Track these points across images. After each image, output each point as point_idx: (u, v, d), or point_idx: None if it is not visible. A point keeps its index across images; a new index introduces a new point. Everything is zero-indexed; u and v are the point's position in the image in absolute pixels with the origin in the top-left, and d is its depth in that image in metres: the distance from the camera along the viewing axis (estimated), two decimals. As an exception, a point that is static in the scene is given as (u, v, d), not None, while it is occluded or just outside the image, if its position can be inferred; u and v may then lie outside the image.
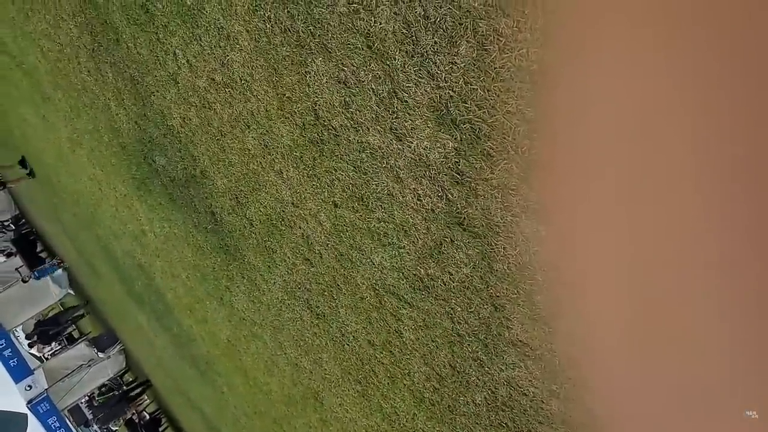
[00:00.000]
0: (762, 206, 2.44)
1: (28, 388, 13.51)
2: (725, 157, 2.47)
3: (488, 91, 3.07)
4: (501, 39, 2.90)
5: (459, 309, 4.00)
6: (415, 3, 3.10)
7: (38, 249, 15.64)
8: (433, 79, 3.25)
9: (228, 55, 4.41)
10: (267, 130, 4.54)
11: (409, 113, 3.46)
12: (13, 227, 15.24)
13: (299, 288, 5.49)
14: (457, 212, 3.58)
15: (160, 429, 15.53)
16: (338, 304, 5.13)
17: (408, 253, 4.07)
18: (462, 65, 3.09)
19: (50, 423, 13.74)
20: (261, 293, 6.20)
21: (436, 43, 3.13)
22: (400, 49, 3.31)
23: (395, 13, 3.22)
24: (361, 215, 4.23)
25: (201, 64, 4.71)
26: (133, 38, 5.32)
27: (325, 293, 5.18)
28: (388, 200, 3.94)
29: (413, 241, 3.98)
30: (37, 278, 14.34)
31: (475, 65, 3.05)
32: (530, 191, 3.21)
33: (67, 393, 14.12)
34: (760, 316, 2.64)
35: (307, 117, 4.12)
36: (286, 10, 3.78)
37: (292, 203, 4.82)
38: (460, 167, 3.41)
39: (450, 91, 3.21)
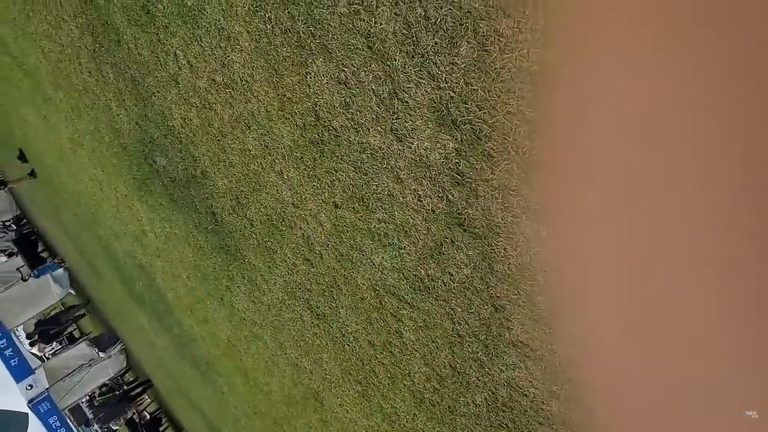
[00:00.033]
0: (762, 206, 2.44)
1: (29, 388, 13.51)
2: (725, 157, 2.47)
3: (489, 91, 3.08)
4: (502, 40, 2.91)
5: (459, 310, 4.00)
6: (416, 4, 3.11)
7: (39, 249, 15.66)
8: (434, 80, 3.25)
9: (228, 56, 4.42)
10: (267, 131, 4.55)
11: (409, 114, 3.46)
12: (15, 227, 15.25)
13: (300, 288, 5.50)
14: (458, 213, 3.58)
15: (161, 429, 15.53)
16: (338, 305, 5.13)
17: (408, 253, 4.07)
18: (462, 66, 3.09)
19: (51, 422, 13.75)
20: (261, 293, 6.20)
21: (436, 43, 3.13)
22: (400, 50, 3.31)
23: (396, 13, 3.23)
24: (361, 216, 4.23)
25: (202, 65, 4.72)
26: (134, 39, 5.33)
27: (326, 294, 5.19)
28: (389, 201, 3.94)
29: (414, 242, 3.98)
30: (37, 276, 14.35)
31: (475, 66, 3.06)
32: (531, 192, 3.21)
33: (68, 392, 14.13)
34: (760, 316, 2.64)
35: (307, 118, 4.13)
36: (286, 11, 3.79)
37: (293, 204, 4.82)
38: (460, 168, 3.41)
39: (450, 92, 3.21)
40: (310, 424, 7.10)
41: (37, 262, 14.93)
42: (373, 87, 3.56)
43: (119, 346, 15.21)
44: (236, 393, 9.00)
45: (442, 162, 3.47)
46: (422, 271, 4.06)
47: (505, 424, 4.20)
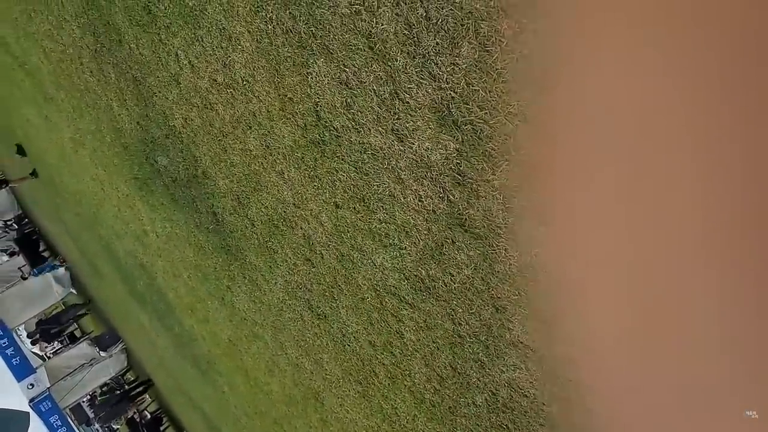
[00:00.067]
0: (762, 206, 2.44)
1: (30, 387, 13.52)
2: (725, 156, 2.47)
3: (490, 92, 3.08)
4: (503, 40, 2.91)
5: (460, 310, 4.00)
6: (417, 4, 3.11)
7: (41, 248, 15.68)
8: (435, 80, 3.25)
9: (230, 56, 4.42)
10: (268, 131, 4.55)
11: (410, 114, 3.47)
12: (16, 227, 15.27)
13: (300, 288, 5.50)
14: (459, 213, 3.59)
15: (162, 428, 15.54)
16: (339, 305, 5.13)
17: (409, 254, 4.07)
18: (464, 66, 3.09)
19: (52, 421, 13.75)
20: (262, 293, 6.21)
21: (437, 44, 3.13)
22: (401, 51, 3.31)
23: (397, 14, 3.23)
24: (362, 216, 4.24)
25: (203, 65, 4.73)
26: (136, 39, 5.33)
27: (326, 294, 5.19)
28: (390, 201, 3.94)
29: (414, 242, 3.98)
30: (36, 275, 14.37)
31: (476, 66, 3.06)
32: (531, 192, 3.21)
33: (69, 392, 14.13)
34: (760, 316, 2.64)
35: (308, 118, 4.13)
36: (287, 11, 3.79)
37: (294, 204, 4.82)
38: (461, 168, 3.41)
39: (452, 92, 3.22)
40: (311, 423, 7.11)
41: (39, 261, 14.96)
42: (375, 87, 3.57)
43: (120, 346, 15.22)
44: (237, 393, 9.00)
45: (443, 162, 3.47)
46: (423, 271, 4.07)
47: (506, 425, 4.20)
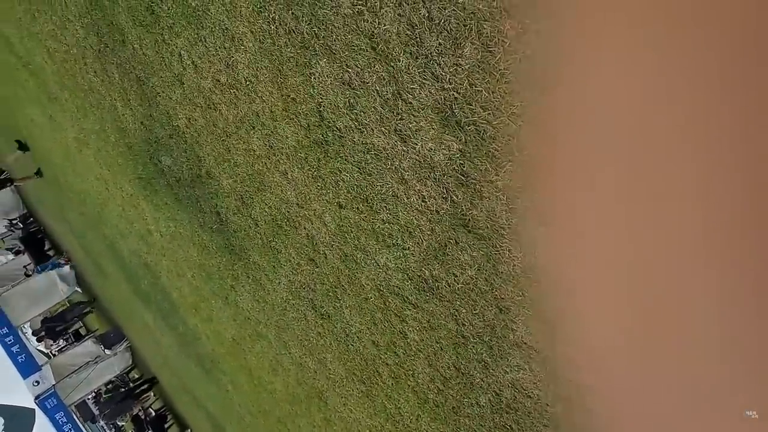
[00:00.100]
0: (762, 206, 2.43)
1: (36, 384, 13.62)
2: (725, 156, 2.46)
3: (493, 92, 3.06)
4: (506, 41, 2.89)
5: (464, 311, 4.00)
6: (420, 4, 3.10)
7: (46, 247, 15.77)
8: (438, 81, 3.24)
9: (233, 57, 4.42)
10: (272, 131, 4.55)
11: (413, 115, 3.46)
12: (21, 226, 15.35)
13: (304, 288, 5.51)
14: (462, 214, 3.58)
15: (166, 426, 15.62)
16: (343, 305, 5.14)
17: (412, 254, 4.07)
18: (467, 67, 3.08)
19: (57, 418, 13.85)
20: (266, 293, 6.22)
21: (440, 44, 3.12)
22: (404, 51, 3.30)
23: (399, 14, 3.22)
24: (365, 216, 4.23)
25: (206, 65, 4.73)
26: (139, 39, 5.34)
27: (330, 294, 5.19)
28: (393, 201, 3.94)
29: (418, 243, 3.98)
30: (39, 272, 14.47)
31: (479, 67, 3.04)
32: (535, 193, 3.20)
33: (74, 389, 14.22)
34: (760, 315, 2.64)
35: (311, 118, 4.13)
36: (290, 12, 3.79)
37: (297, 204, 4.82)
38: (464, 169, 3.40)
39: (455, 93, 3.20)
40: (314, 423, 7.12)
41: (44, 260, 15.06)
42: (377, 88, 3.56)
43: (125, 344, 15.30)
44: (240, 391, 9.03)
45: (447, 163, 3.46)
46: (426, 271, 4.06)
47: (510, 426, 4.20)
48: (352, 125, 3.86)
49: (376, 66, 3.48)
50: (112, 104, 6.64)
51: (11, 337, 13.78)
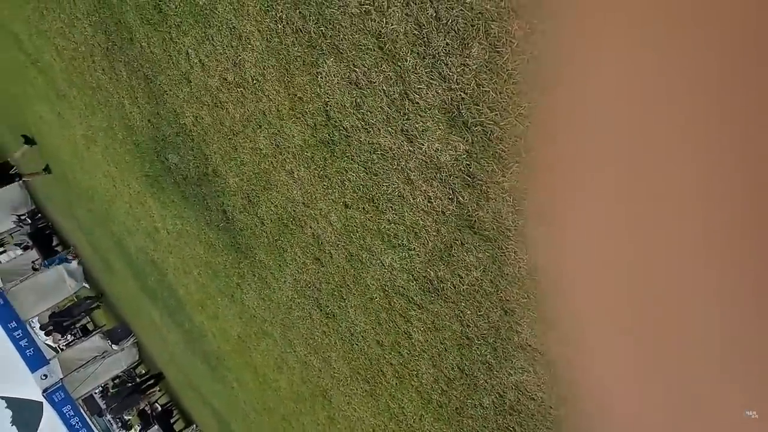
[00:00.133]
0: (762, 206, 2.41)
1: (44, 377, 13.73)
2: (725, 157, 2.44)
3: (500, 93, 3.04)
4: (513, 41, 2.87)
5: (468, 312, 3.98)
6: (427, 4, 3.08)
7: (54, 243, 15.88)
8: (445, 81, 3.22)
9: (240, 55, 4.42)
10: (278, 130, 4.55)
11: (420, 115, 3.44)
12: (30, 221, 15.47)
13: (309, 287, 5.51)
14: (468, 215, 3.56)
15: (172, 421, 15.71)
16: (348, 304, 5.13)
17: (418, 254, 4.06)
18: (474, 67, 3.06)
19: (65, 411, 13.96)
20: (271, 291, 6.23)
21: (447, 44, 3.10)
22: (411, 51, 3.28)
23: (407, 14, 3.20)
24: (371, 216, 4.22)
25: (213, 64, 4.73)
26: (147, 37, 5.35)
27: (335, 293, 5.19)
28: (399, 202, 3.93)
29: (423, 243, 3.96)
30: (47, 266, 14.59)
31: (487, 67, 3.02)
32: (539, 194, 3.18)
33: (82, 383, 14.33)
34: (760, 315, 2.62)
35: (318, 117, 4.12)
36: (297, 11, 3.78)
37: (303, 203, 4.82)
38: (471, 170, 3.38)
39: (462, 93, 3.18)
40: (318, 421, 7.14)
41: (52, 255, 15.17)
42: (384, 87, 3.54)
43: (132, 339, 15.39)
44: (246, 389, 9.07)
45: (453, 164, 3.44)
46: (432, 272, 4.05)
47: (513, 428, 4.18)
48: (359, 125, 3.85)
49: (384, 66, 3.46)
50: (119, 102, 6.67)
51: (20, 331, 13.91)
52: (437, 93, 3.29)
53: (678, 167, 2.60)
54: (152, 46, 5.35)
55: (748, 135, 2.33)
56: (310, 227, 4.94)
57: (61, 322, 16.12)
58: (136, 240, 9.40)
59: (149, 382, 15.96)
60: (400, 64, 3.38)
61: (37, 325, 16.52)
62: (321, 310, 5.57)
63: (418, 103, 3.41)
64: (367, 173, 4.03)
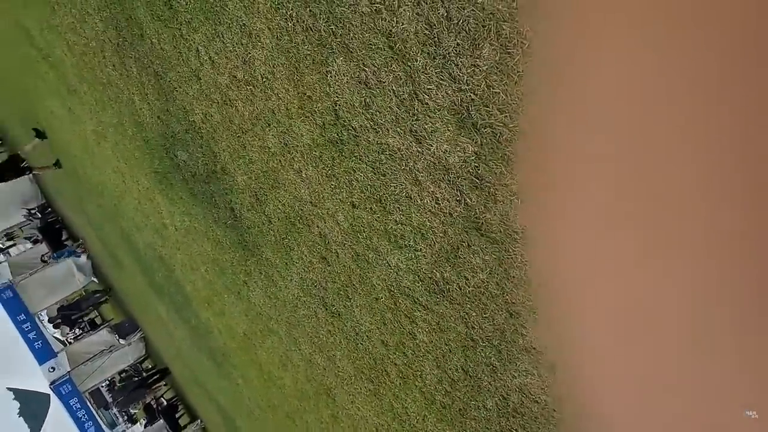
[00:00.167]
0: (762, 206, 2.40)
1: (52, 370, 13.86)
2: (725, 157, 2.44)
3: (510, 95, 3.02)
4: (524, 42, 2.85)
5: (474, 314, 3.96)
6: (438, 4, 3.06)
7: (64, 237, 16.01)
8: (455, 82, 3.20)
9: (250, 53, 4.42)
10: (287, 129, 4.55)
11: (429, 116, 3.42)
12: (40, 215, 15.61)
13: (315, 286, 5.51)
14: (475, 217, 3.54)
15: (177, 415, 15.81)
16: (353, 304, 5.13)
17: (424, 256, 4.04)
18: (484, 68, 3.04)
19: (72, 404, 14.07)
20: (278, 289, 6.24)
21: (458, 45, 3.08)
22: (421, 51, 3.27)
23: (417, 13, 3.19)
24: (378, 216, 4.21)
25: (223, 61, 4.74)
26: (157, 34, 5.37)
27: (341, 292, 5.19)
28: (406, 202, 3.91)
29: (430, 245, 3.95)
30: (56, 258, 14.72)
31: (497, 68, 3.00)
32: (540, 195, 3.17)
33: (89, 376, 14.45)
34: (760, 315, 2.61)
35: (327, 116, 4.12)
36: (308, 9, 3.77)
37: (311, 202, 4.82)
38: (479, 172, 3.36)
39: (472, 94, 3.16)
40: (322, 419, 7.15)
41: (61, 248, 15.30)
42: (394, 87, 3.53)
43: (139, 334, 15.50)
44: (251, 386, 9.10)
45: (461, 165, 3.43)
46: (438, 273, 4.03)
47: (516, 430, 4.16)
48: (368, 125, 3.84)
49: (393, 65, 3.45)
50: (129, 98, 6.70)
51: (28, 323, 14.05)
52: (447, 94, 3.27)
53: (678, 167, 2.60)
54: (162, 43, 5.37)
55: (748, 135, 2.32)
56: (317, 226, 4.94)
57: (69, 315, 16.27)
58: (144, 236, 9.45)
59: (155, 377, 16.06)
60: (410, 64, 3.36)
61: (46, 318, 16.67)
62: (326, 309, 5.58)
63: (427, 103, 3.40)
64: (375, 173, 4.02)
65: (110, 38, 6.32)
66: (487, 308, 3.84)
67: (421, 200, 3.80)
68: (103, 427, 14.77)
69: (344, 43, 3.67)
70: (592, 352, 3.48)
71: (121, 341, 15.43)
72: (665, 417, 3.29)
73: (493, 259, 3.59)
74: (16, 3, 8.70)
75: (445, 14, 3.06)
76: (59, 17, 7.30)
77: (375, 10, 3.39)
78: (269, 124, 4.71)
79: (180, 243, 8.11)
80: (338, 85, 3.87)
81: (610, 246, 3.06)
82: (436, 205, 3.73)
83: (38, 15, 7.94)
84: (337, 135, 4.11)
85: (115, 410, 17.87)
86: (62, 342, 16.42)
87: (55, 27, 7.61)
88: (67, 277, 15.05)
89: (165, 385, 16.36)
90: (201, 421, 14.69)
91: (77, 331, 16.91)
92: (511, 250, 3.47)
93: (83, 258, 14.99)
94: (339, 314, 5.43)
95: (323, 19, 3.71)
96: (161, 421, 15.23)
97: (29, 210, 15.22)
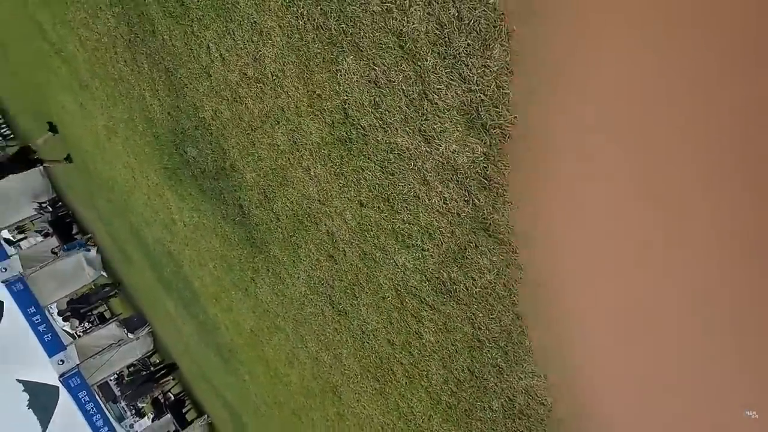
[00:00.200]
0: (762, 207, 2.38)
1: (61, 363, 14.03)
2: (726, 157, 2.41)
3: (520, 95, 3.00)
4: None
5: (480, 315, 3.95)
6: (449, 4, 3.05)
7: (74, 231, 16.19)
8: (465, 82, 3.19)
9: (260, 51, 4.43)
10: (296, 127, 4.56)
11: (438, 116, 3.41)
12: (50, 209, 15.79)
13: (322, 284, 5.52)
14: (483, 218, 3.53)
15: (184, 410, 15.94)
16: (360, 302, 5.14)
17: (432, 255, 4.04)
18: (495, 69, 3.02)
19: (80, 397, 14.24)
20: (285, 287, 6.26)
21: (469, 45, 3.07)
22: (432, 50, 3.26)
23: (428, 13, 3.17)
24: (386, 216, 4.21)
25: (234, 59, 4.75)
26: (169, 30, 5.40)
27: (348, 291, 5.20)
28: (414, 202, 3.91)
29: (437, 245, 3.94)
30: (66, 250, 14.90)
31: (508, 69, 2.99)
32: (540, 195, 3.15)
33: (97, 370, 14.61)
34: (760, 315, 2.58)
35: (336, 115, 4.12)
36: (319, 7, 3.77)
37: (319, 200, 4.83)
38: (488, 172, 3.35)
39: (481, 95, 3.15)
40: (327, 417, 7.17)
41: (72, 242, 15.47)
42: (403, 87, 3.52)
43: (147, 329, 15.64)
44: (257, 382, 9.15)
45: (470, 166, 3.41)
46: (445, 274, 4.02)
47: (523, 432, 4.15)
48: (377, 124, 3.83)
49: (403, 65, 3.44)
50: (140, 94, 6.75)
51: (38, 316, 14.22)
52: (456, 94, 3.26)
53: (678, 167, 2.58)
54: (174, 39, 5.40)
55: (748, 135, 2.29)
56: (325, 224, 4.95)
57: (78, 308, 16.45)
58: (153, 231, 9.52)
59: (163, 372, 16.20)
60: (420, 63, 3.35)
61: (56, 311, 16.86)
62: (333, 307, 5.59)
63: (436, 103, 3.38)
64: (383, 172, 4.01)
65: (122, 34, 6.37)
66: (494, 309, 3.83)
67: (429, 200, 3.79)
68: (111, 420, 14.92)
69: (354, 42, 3.66)
70: (592, 352, 3.46)
71: (130, 335, 15.58)
72: (665, 417, 3.28)
73: (500, 260, 3.58)
74: (30, -2, 8.80)
75: (456, 14, 3.05)
76: (72, 12, 7.36)
77: (386, 9, 3.38)
78: (278, 122, 4.72)
79: (189, 239, 8.16)
80: (348, 84, 3.87)
81: (610, 246, 3.04)
82: (444, 205, 3.72)
83: (52, 10, 8.01)
84: (346, 133, 4.11)
85: (123, 404, 18.08)
86: (71, 335, 16.61)
87: (68, 22, 7.67)
88: (77, 271, 15.22)
89: (173, 379, 16.50)
90: (208, 417, 14.81)
91: (86, 324, 17.09)
92: (518, 252, 3.46)
93: (93, 252, 15.15)
94: (346, 312, 5.44)
95: (334, 18, 3.71)
96: (168, 415, 15.37)
97: (40, 204, 15.40)
